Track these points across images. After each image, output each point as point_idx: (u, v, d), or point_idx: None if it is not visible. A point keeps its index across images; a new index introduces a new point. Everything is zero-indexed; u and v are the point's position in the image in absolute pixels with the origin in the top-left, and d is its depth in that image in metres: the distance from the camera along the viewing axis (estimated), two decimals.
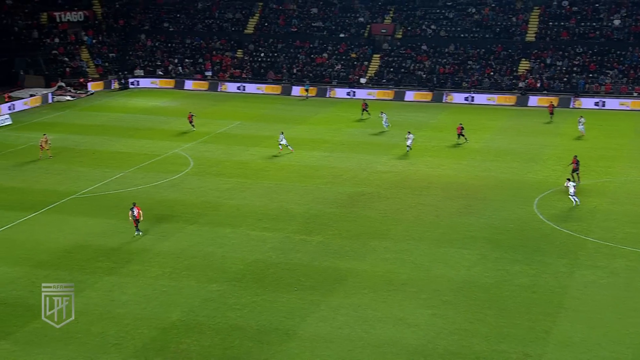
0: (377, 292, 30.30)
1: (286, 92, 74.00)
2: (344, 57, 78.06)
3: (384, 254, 34.15)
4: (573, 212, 39.13)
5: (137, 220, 35.69)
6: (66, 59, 78.78)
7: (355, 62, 77.36)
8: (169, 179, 45.32)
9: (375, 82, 74.84)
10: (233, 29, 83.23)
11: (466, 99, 69.84)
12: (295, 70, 77.43)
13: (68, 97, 70.38)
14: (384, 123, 57.75)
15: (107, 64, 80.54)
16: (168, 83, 77.04)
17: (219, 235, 36.22)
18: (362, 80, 75.03)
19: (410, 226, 37.64)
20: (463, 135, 53.72)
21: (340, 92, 73.08)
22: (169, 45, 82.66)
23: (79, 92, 72.69)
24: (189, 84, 76.64)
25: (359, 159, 49.98)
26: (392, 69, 75.64)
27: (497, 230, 36.90)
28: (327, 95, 73.09)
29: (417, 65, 75.47)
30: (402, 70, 75.48)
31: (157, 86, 76.92)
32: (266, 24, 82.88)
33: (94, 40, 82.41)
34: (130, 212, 35.78)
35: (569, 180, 40.05)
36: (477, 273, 32.12)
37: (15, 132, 57.20)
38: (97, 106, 67.79)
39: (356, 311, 28.74)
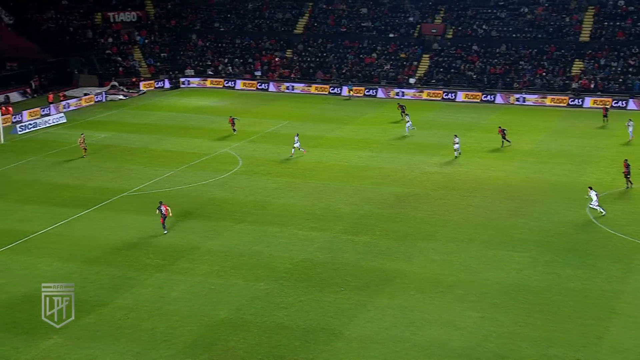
0: (424, 294, 30.11)
1: (334, 92, 74.03)
2: (393, 57, 77.75)
3: (432, 256, 33.91)
4: (627, 215, 38.24)
5: (164, 217, 36.21)
6: (119, 58, 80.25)
7: (404, 62, 76.97)
8: (218, 178, 45.78)
9: (425, 83, 74.33)
10: (283, 29, 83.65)
11: (517, 99, 68.87)
12: (344, 70, 77.40)
13: (120, 97, 71.68)
14: (407, 127, 56.17)
15: (158, 63, 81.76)
16: (218, 83, 77.86)
17: (266, 234, 36.45)
18: (412, 81, 74.61)
19: (459, 228, 37.29)
20: (505, 138, 52.57)
21: (389, 93, 72.77)
22: (219, 45, 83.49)
23: (131, 91, 73.96)
24: (238, 84, 77.29)
25: (408, 160, 49.73)
26: (441, 69, 75.04)
27: (548, 233, 36.29)
28: (377, 95, 72.90)
29: (468, 65, 74.72)
30: (452, 70, 74.81)
31: (207, 86, 77.78)
32: (316, 24, 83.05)
33: (146, 40, 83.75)
34: (158, 211, 36.35)
35: (590, 188, 38.39)
36: (527, 276, 31.65)
37: (69, 130, 58.52)
38: (149, 105, 68.89)
39: (403, 312, 28.60)
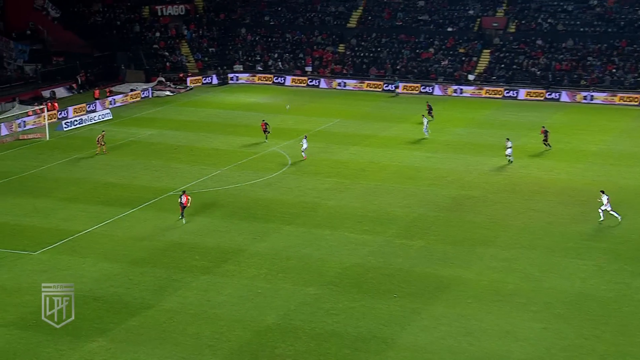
0: (482, 302, 29.79)
1: (388, 89, 73.79)
2: (451, 53, 77.12)
3: (491, 262, 33.53)
4: None
5: (183, 207, 37.92)
6: (166, 53, 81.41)
7: (463, 58, 76.29)
8: (266, 178, 46.08)
9: (485, 79, 73.53)
10: (335, 22, 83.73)
11: (584, 97, 67.60)
12: (399, 67, 77.12)
13: (167, 93, 72.75)
14: (424, 129, 55.01)
15: (206, 58, 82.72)
16: (267, 79, 78.38)
17: (316, 237, 36.54)
18: (471, 77, 73.91)
19: (520, 233, 36.80)
20: (545, 141, 50.82)
21: (447, 90, 72.22)
22: (269, 39, 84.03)
23: (178, 87, 75.00)
24: (288, 80, 77.68)
25: (465, 160, 49.27)
26: (503, 66, 74.13)
27: (617, 240, 35.53)
28: (433, 93, 72.43)
29: (531, 61, 73.65)
30: (514, 66, 73.84)
31: (256, 82, 78.39)
32: (370, 18, 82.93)
33: (194, 35, 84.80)
34: (179, 199, 38.11)
35: (602, 192, 37.65)
36: (593, 285, 31.04)
37: (115, 127, 59.66)
38: (196, 102, 69.76)
39: (459, 321, 28.35)
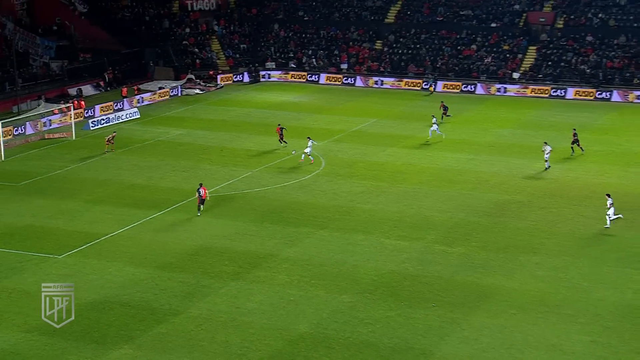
0: (527, 313, 29.49)
1: (428, 87, 73.48)
2: (495, 49, 76.58)
3: (536, 271, 33.19)
4: None
5: (202, 200, 39.63)
6: (196, 49, 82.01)
7: (507, 55, 75.69)
8: (299, 180, 46.16)
9: (530, 78, 72.86)
10: (372, 18, 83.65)
11: (638, 97, 66.62)
12: (439, 64, 76.76)
13: (197, 91, 73.27)
14: (432, 130, 54.06)
15: (237, 55, 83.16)
16: (300, 76, 78.53)
17: (350, 242, 36.50)
18: (515, 75, 73.32)
19: (567, 240, 36.36)
20: (577, 143, 49.74)
21: (490, 89, 71.70)
22: (303, 35, 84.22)
23: (208, 85, 75.50)
24: (323, 78, 77.74)
25: (509, 163, 48.84)
26: (550, 63, 73.39)
27: None
28: (475, 91, 71.96)
29: (580, 58, 72.79)
30: (562, 64, 73.05)
31: (289, 79, 78.59)
32: (409, 13, 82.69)
33: (225, 30, 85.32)
34: (197, 193, 39.84)
35: (608, 196, 37.65)
36: None
37: (143, 126, 60.24)
38: (226, 100, 70.16)
39: (502, 333, 28.09)
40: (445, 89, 72.96)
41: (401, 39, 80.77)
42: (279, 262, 34.38)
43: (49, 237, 37.46)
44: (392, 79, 75.52)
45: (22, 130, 57.11)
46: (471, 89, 72.42)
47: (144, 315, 29.67)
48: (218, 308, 30.22)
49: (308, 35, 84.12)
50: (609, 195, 38.01)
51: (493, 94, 71.18)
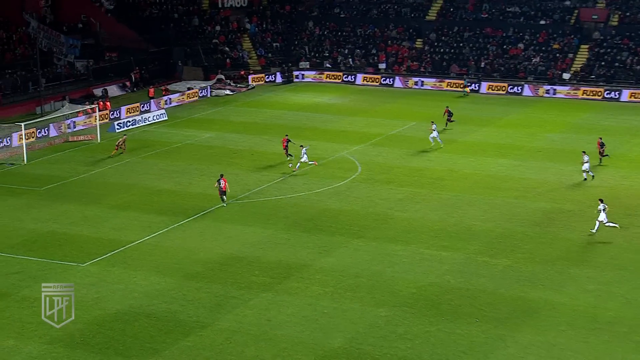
0: (576, 330, 29.18)
1: (470, 88, 73.18)
2: (543, 48, 76.00)
3: (587, 285, 32.84)
4: None
5: (222, 192, 41.68)
6: (226, 48, 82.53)
7: (557, 54, 75.07)
8: (334, 186, 46.18)
9: (582, 79, 72.15)
10: (412, 15, 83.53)
11: None
12: (483, 64, 76.37)
13: (227, 92, 73.72)
14: (432, 137, 53.55)
15: (270, 54, 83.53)
16: (336, 77, 78.62)
17: (388, 253, 36.44)
18: (566, 76, 72.69)
19: (622, 252, 35.92)
20: (602, 153, 48.87)
21: (538, 90, 71.14)
22: (339, 33, 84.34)
23: (238, 85, 75.92)
24: (359, 78, 77.75)
25: (558, 170, 48.41)
26: (603, 63, 72.63)
27: None
28: (522, 93, 71.48)
29: (636, 58, 71.91)
30: (617, 64, 72.24)
31: (324, 80, 78.71)
32: (451, 9, 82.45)
33: (257, 28, 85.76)
34: (217, 184, 42.14)
35: (601, 201, 37.76)
36: None
37: (170, 128, 60.75)
38: (258, 102, 70.48)
39: (550, 351, 27.84)
40: (490, 91, 72.57)
41: (443, 38, 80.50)
42: (312, 273, 34.41)
43: (72, 245, 37.92)
44: (433, 80, 75.27)
45: (45, 133, 57.88)
46: (518, 90, 71.92)
47: (171, 327, 29.88)
48: (248, 320, 30.33)
49: (344, 34, 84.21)
50: (601, 201, 37.97)
51: (541, 96, 70.60)
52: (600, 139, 49.78)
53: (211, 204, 43.12)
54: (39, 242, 38.29)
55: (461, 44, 79.17)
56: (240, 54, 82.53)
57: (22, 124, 53.99)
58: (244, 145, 55.34)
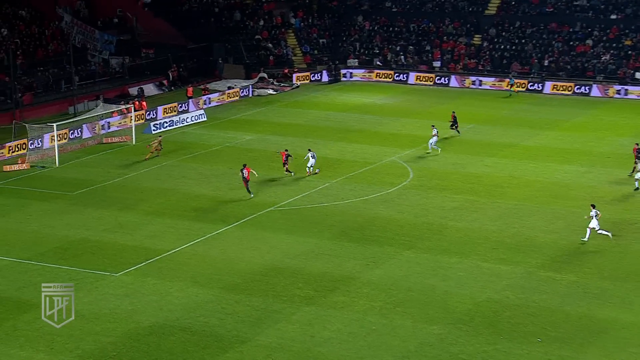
0: None
1: (533, 88, 72.56)
2: (614, 45, 75.02)
3: None
4: None
5: (247, 181, 44.09)
6: (270, 45, 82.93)
7: (629, 52, 74.05)
8: (383, 193, 46.09)
9: None
10: (470, 9, 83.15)
11: None
12: (547, 62, 75.66)
13: (270, 91, 74.08)
14: (431, 142, 53.03)
15: (316, 51, 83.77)
16: (386, 75, 78.53)
17: (442, 265, 36.26)
18: (639, 75, 71.65)
19: None
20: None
21: (608, 90, 70.24)
22: (391, 29, 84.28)
23: (282, 84, 76.26)
24: (412, 77, 77.54)
25: (629, 177, 47.69)
26: None
27: None
28: (590, 93, 70.66)
29: None
30: None
31: (373, 79, 78.63)
32: (513, 3, 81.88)
33: (303, 24, 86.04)
34: (240, 174, 44.74)
35: (593, 207, 38.28)
36: None
37: (209, 130, 61.22)
38: (302, 102, 70.68)
39: None
40: (555, 91, 71.88)
41: (504, 33, 79.96)
42: (359, 286, 34.37)
43: (105, 253, 38.39)
44: (493, 79, 74.81)
45: (78, 134, 58.71)
46: (585, 90, 71.11)
47: (208, 342, 30.07)
48: (290, 336, 30.40)
49: (396, 29, 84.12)
50: (593, 206, 38.36)
51: (611, 97, 69.72)
52: (637, 144, 49.15)
53: (252, 210, 43.34)
54: (71, 249, 38.84)
55: (523, 40, 78.55)
56: (284, 51, 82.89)
57: (54, 124, 54.82)
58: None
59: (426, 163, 51.74)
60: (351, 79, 79.22)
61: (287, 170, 49.07)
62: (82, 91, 69.60)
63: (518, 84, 72.66)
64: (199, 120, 63.89)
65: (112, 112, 61.31)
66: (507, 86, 72.25)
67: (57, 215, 43.58)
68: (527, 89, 72.89)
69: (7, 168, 51.71)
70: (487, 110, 65.99)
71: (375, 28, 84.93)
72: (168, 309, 32.48)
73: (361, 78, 79.26)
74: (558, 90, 71.99)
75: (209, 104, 69.09)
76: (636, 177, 46.15)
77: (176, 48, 78.82)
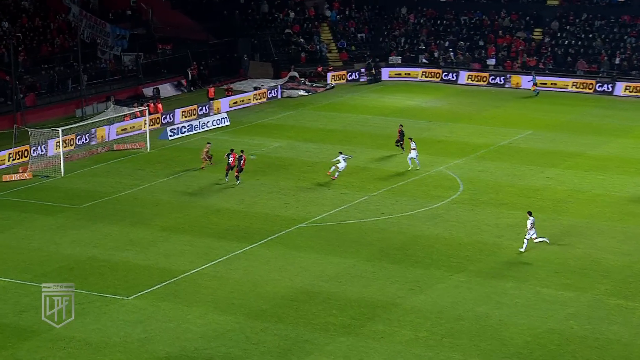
0: None
1: (603, 90, 72.09)
2: None
3: None
4: None
5: (230, 167, 48.44)
6: (302, 40, 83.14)
7: None
8: (429, 208, 45.98)
9: None
10: None
11: None
12: (618, 59, 75.13)
13: (301, 92, 74.26)
14: (410, 157, 52.28)
15: (353, 47, 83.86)
16: (434, 74, 78.44)
17: (496, 291, 36.09)
18: None
19: None
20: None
21: None
22: (439, 22, 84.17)
23: (315, 84, 76.41)
24: (463, 77, 77.36)
25: None
26: None
27: None
28: None
29: None
30: None
31: (419, 78, 78.53)
32: None
33: (339, 16, 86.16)
34: (225, 157, 48.93)
35: (530, 214, 39.81)
36: None
37: (233, 136, 61.43)
38: (338, 104, 70.75)
39: None
40: (627, 92, 71.56)
41: (568, 27, 79.57)
42: (402, 314, 34.27)
43: (115, 274, 38.61)
44: (555, 79, 74.39)
45: (86, 140, 59.13)
46: None
47: None
48: None
49: (445, 22, 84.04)
50: (530, 214, 39.76)
51: None
52: None
53: (280, 227, 43.41)
54: (77, 270, 39.10)
55: (591, 35, 78.12)
56: (318, 47, 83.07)
57: (60, 129, 55.09)
58: (320, 157, 55.55)
59: (478, 174, 51.55)
60: (393, 79, 79.18)
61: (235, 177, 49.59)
62: (91, 92, 70.07)
63: (585, 84, 72.31)
64: (221, 125, 64.15)
65: (125, 116, 61.67)
66: (532, 88, 72.05)
67: (62, 230, 43.93)
68: (595, 91, 72.50)
69: (6, 178, 52.21)
70: (548, 115, 65.61)
71: (421, 21, 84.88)
72: (186, 338, 32.57)
73: (404, 77, 79.23)
74: (631, 91, 71.51)
75: (233, 106, 69.24)
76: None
77: (196, 43, 79.23)
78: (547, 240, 40.07)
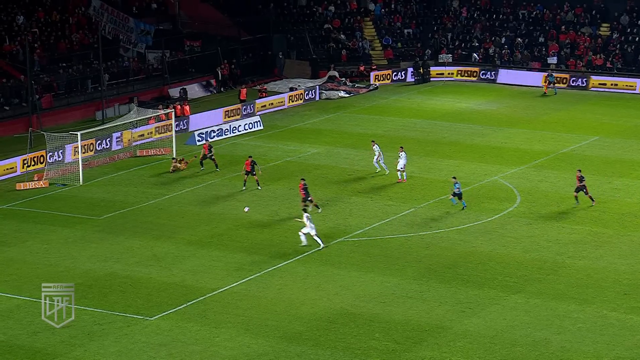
0: None
1: None
2: None
3: None
4: None
5: (204, 157, 48.79)
6: (342, 36, 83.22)
7: None
8: (483, 221, 45.82)
9: None
10: None
11: None
12: None
13: (341, 93, 74.30)
14: (375, 161, 52.90)
15: (399, 44, 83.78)
16: (488, 74, 78.21)
17: (557, 314, 35.86)
18: None
19: None
20: (583, 190, 47.00)
21: None
22: (494, 16, 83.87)
23: (357, 85, 76.44)
24: (521, 77, 77.06)
25: None
26: None
27: None
28: None
29: None
30: None
31: (471, 79, 78.34)
32: None
33: (384, 10, 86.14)
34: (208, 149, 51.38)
35: (305, 210, 42.70)
36: None
37: (266, 141, 61.59)
38: (381, 107, 70.70)
39: None
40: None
41: (639, 22, 78.88)
42: (452, 338, 34.15)
43: (137, 291, 38.80)
44: (625, 79, 73.92)
45: (107, 145, 59.53)
46: None
47: None
48: None
49: (501, 16, 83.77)
50: (305, 210, 43.05)
51: None
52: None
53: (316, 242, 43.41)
54: (96, 287, 39.33)
55: None
56: (360, 44, 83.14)
57: (79, 133, 55.51)
58: (362, 165, 55.55)
59: (537, 185, 51.28)
60: (443, 79, 79.04)
61: (306, 203, 46.58)
62: (113, 93, 70.58)
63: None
64: (253, 129, 64.35)
65: (149, 119, 62.01)
66: (543, 82, 72.69)
67: (80, 244, 44.24)
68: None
69: (20, 186, 52.66)
70: (617, 119, 65.17)
71: (475, 15, 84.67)
72: None
73: (455, 77, 79.09)
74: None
75: (267, 108, 69.39)
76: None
77: (227, 40, 79.57)
78: (322, 245, 42.21)
